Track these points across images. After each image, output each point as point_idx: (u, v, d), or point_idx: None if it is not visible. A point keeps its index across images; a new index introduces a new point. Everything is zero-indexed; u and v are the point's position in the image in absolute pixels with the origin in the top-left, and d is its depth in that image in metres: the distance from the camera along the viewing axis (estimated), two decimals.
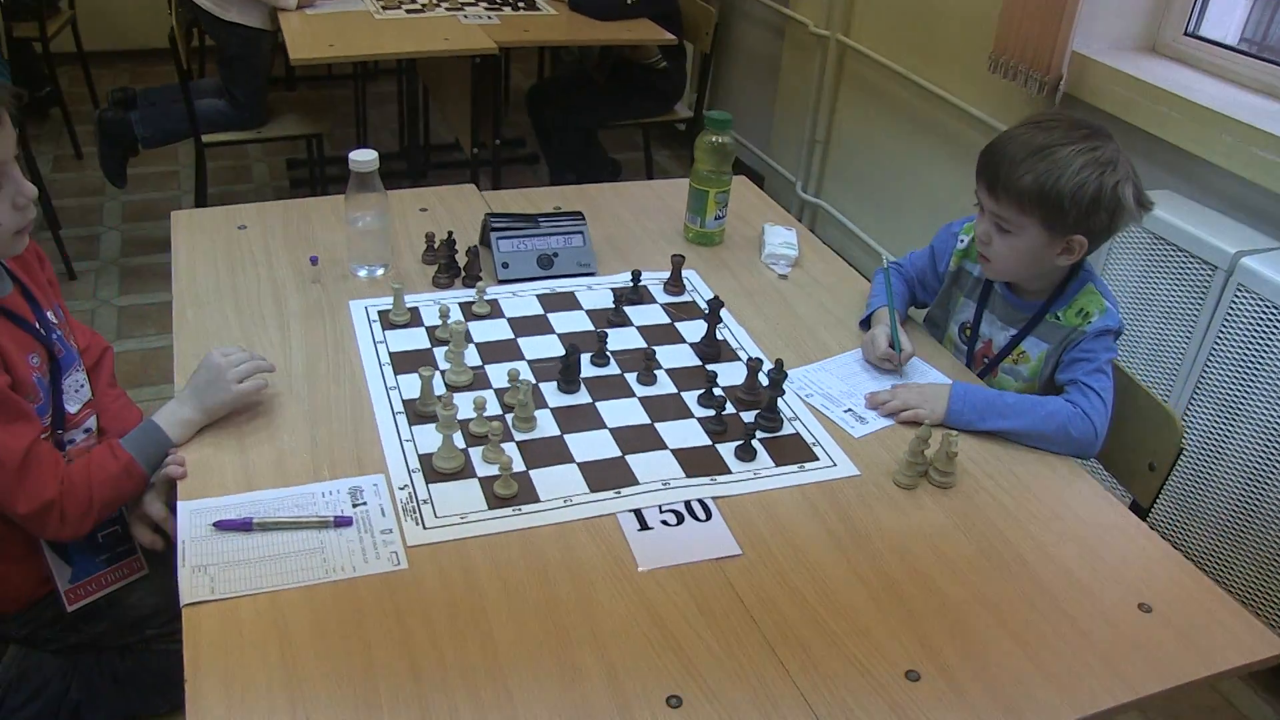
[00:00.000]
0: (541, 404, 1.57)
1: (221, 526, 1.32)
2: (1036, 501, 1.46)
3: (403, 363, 1.65)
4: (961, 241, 1.82)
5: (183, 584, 1.24)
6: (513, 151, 4.58)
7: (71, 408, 1.52)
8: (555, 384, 1.61)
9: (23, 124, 1.34)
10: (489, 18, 3.40)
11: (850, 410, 1.61)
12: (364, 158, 1.76)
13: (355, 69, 4.53)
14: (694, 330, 1.77)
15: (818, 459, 1.51)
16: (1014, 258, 1.63)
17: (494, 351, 1.69)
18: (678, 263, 1.88)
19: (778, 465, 1.49)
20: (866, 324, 1.80)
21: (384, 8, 3.47)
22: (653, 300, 1.87)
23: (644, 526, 1.36)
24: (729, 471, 1.46)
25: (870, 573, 1.31)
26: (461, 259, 1.87)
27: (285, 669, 1.13)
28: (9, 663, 1.49)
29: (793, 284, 1.96)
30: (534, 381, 1.62)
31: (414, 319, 1.76)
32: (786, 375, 1.57)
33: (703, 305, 1.86)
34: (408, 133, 4.59)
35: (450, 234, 1.87)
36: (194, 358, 1.61)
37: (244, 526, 1.32)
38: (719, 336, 1.76)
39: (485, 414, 1.49)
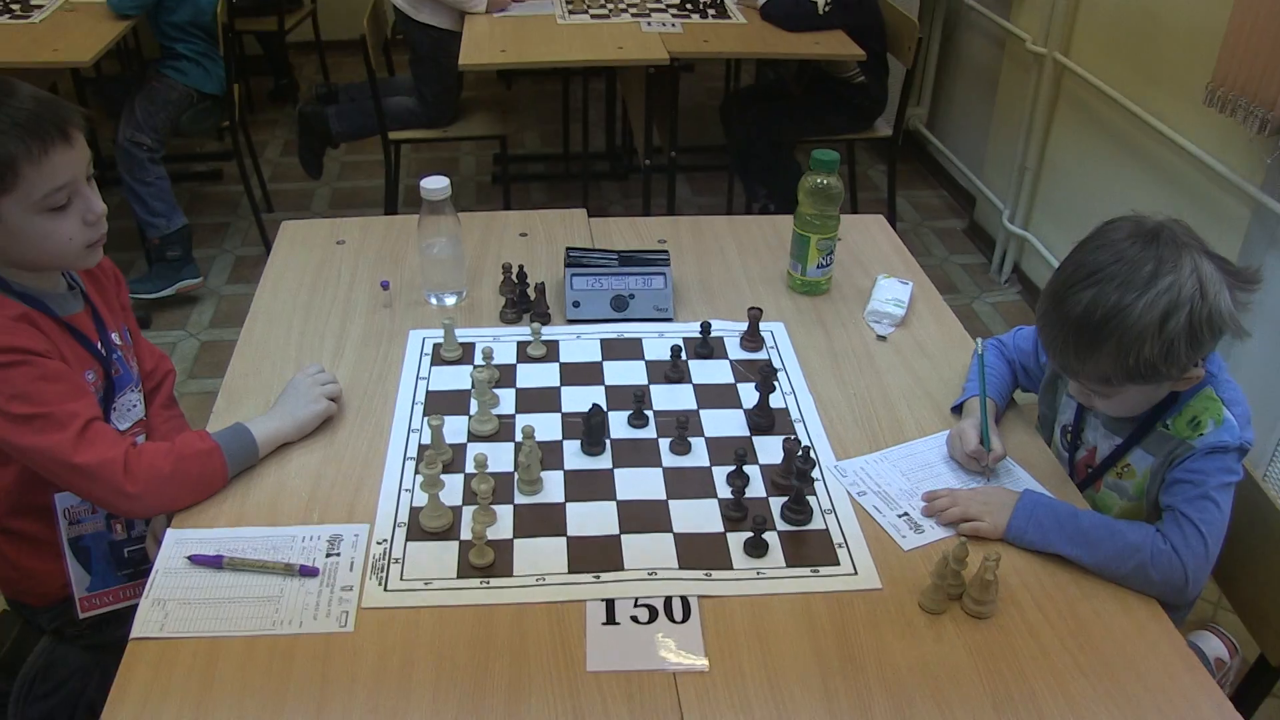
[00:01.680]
0: (557, 465, 1.48)
1: (194, 561, 1.31)
2: (1089, 649, 1.23)
3: (437, 403, 1.60)
4: None
5: (138, 616, 1.24)
6: (710, 159, 4.49)
7: (121, 425, 1.57)
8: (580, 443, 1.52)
9: (94, 140, 1.39)
10: (673, 25, 3.31)
11: (906, 515, 1.42)
12: (435, 185, 1.72)
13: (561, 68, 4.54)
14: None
15: (838, 564, 1.34)
16: (1122, 408, 1.42)
17: (533, 400, 1.62)
18: (754, 316, 1.74)
19: (789, 565, 1.33)
20: (959, 410, 1.60)
21: (570, 12, 3.44)
22: (724, 355, 1.74)
23: (610, 620, 1.24)
24: (730, 567, 1.32)
25: (847, 709, 1.15)
26: (532, 293, 1.80)
27: None
28: (39, 652, 1.57)
29: (890, 347, 1.77)
30: (560, 438, 1.53)
31: (466, 356, 1.71)
32: (815, 464, 1.41)
33: (779, 363, 1.71)
34: (613, 133, 4.59)
35: (521, 267, 1.81)
36: (245, 376, 1.64)
37: (215, 563, 1.31)
38: (780, 405, 1.61)
39: (487, 470, 1.41)
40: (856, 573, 1.32)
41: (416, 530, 1.36)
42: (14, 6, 3.38)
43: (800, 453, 1.38)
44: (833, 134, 3.64)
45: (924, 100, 4.51)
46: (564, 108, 4.42)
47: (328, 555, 1.32)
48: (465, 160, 4.72)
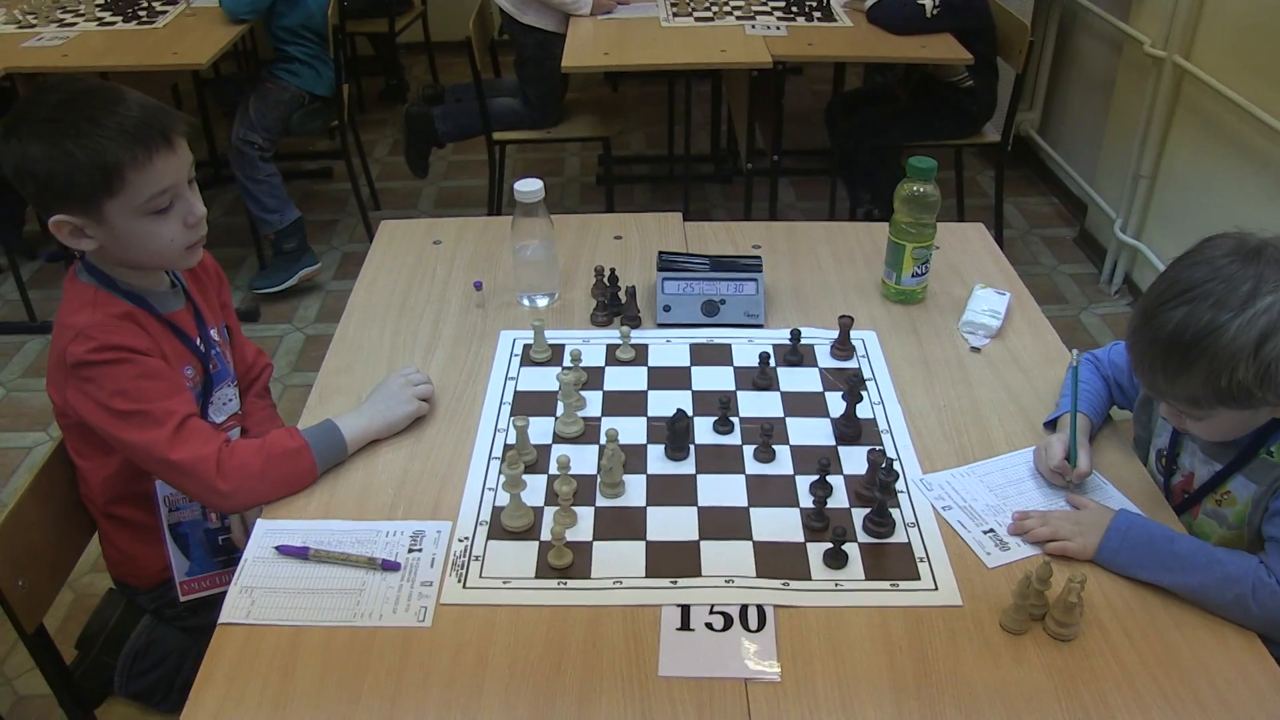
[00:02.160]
0: (640, 469, 1.48)
1: (281, 551, 1.35)
2: (1176, 678, 1.19)
3: (524, 404, 1.62)
4: None
5: (227, 602, 1.28)
6: (814, 163, 4.45)
7: (218, 419, 1.62)
8: (664, 448, 1.52)
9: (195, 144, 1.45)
10: (777, 28, 3.29)
11: (992, 531, 1.39)
12: (528, 188, 1.74)
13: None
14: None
15: (918, 579, 1.31)
16: (1216, 432, 1.36)
17: (619, 403, 1.62)
18: (845, 325, 1.71)
19: (868, 579, 1.31)
20: (1053, 426, 1.55)
21: (675, 14, 3.45)
22: (814, 363, 1.72)
23: (684, 626, 1.24)
24: (808, 578, 1.31)
25: None
26: (623, 296, 1.81)
27: (275, 709, 1.15)
28: (140, 631, 1.63)
29: (984, 359, 1.73)
30: (645, 442, 1.54)
31: (555, 357, 1.72)
32: (899, 477, 1.38)
33: (869, 373, 1.69)
34: (718, 135, 4.58)
35: (613, 270, 1.82)
36: (338, 373, 1.68)
37: (300, 554, 1.35)
38: (868, 415, 1.59)
39: (570, 472, 1.42)
40: (937, 588, 1.30)
41: (498, 529, 1.38)
42: (140, 13, 3.52)
43: (884, 464, 1.36)
44: (939, 139, 3.56)
45: (1036, 105, 4.40)
46: (669, 110, 4.43)
47: (410, 551, 1.35)
48: (570, 161, 4.77)
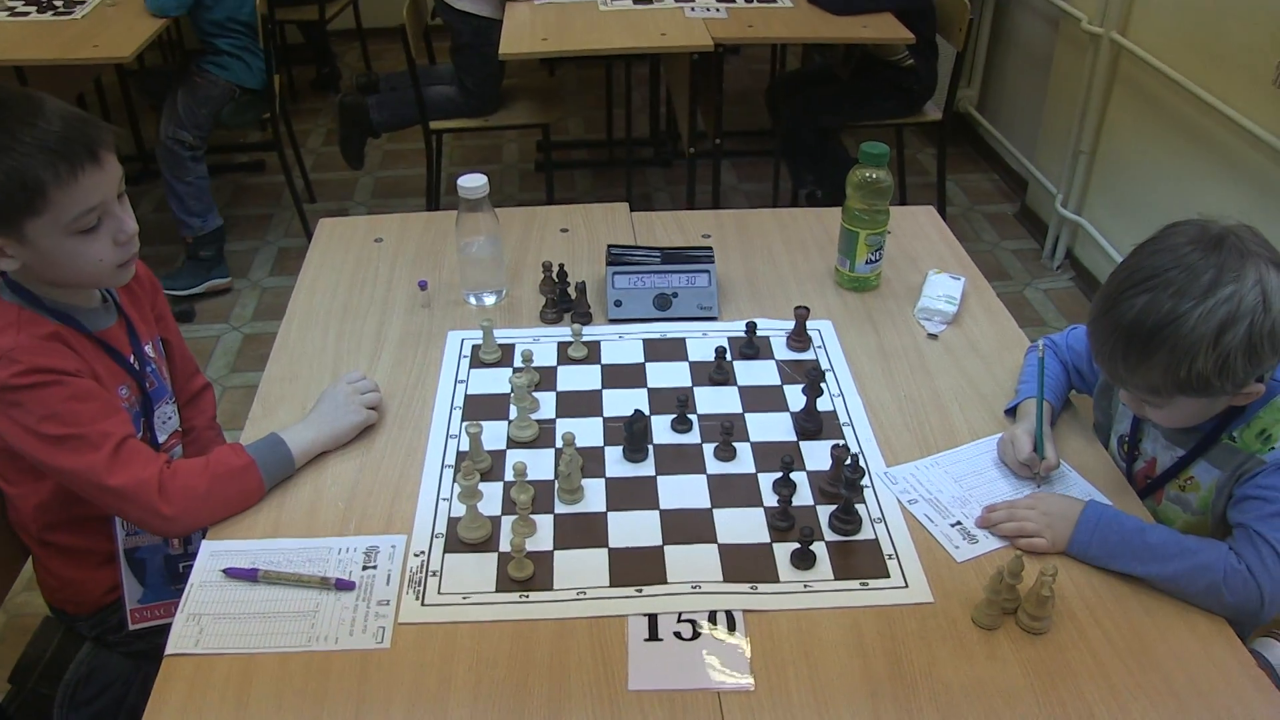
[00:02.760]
0: (598, 472, 1.44)
1: (229, 574, 1.29)
2: (1150, 668, 1.18)
3: (475, 408, 1.57)
4: None
5: (174, 631, 1.22)
6: (755, 145, 4.42)
7: (160, 437, 1.56)
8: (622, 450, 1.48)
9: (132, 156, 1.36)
10: (717, 10, 3.25)
11: (959, 524, 1.37)
12: (472, 184, 1.69)
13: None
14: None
15: (888, 576, 1.29)
16: (1176, 419, 1.35)
17: (574, 403, 1.58)
18: (801, 315, 1.68)
19: (837, 579, 1.29)
20: (1013, 413, 1.53)
21: None
22: (770, 355, 1.69)
23: (652, 636, 1.21)
24: (776, 579, 1.28)
25: None
26: (573, 293, 1.76)
27: None
28: (81, 659, 1.56)
29: (941, 347, 1.71)
30: (602, 444, 1.49)
31: (505, 358, 1.67)
32: (865, 473, 1.36)
33: (826, 364, 1.66)
34: (657, 119, 4.53)
35: (561, 266, 1.77)
36: (281, 381, 1.62)
37: (249, 576, 1.29)
38: (828, 407, 1.56)
39: (527, 479, 1.38)
40: (907, 585, 1.28)
41: (454, 542, 1.34)
42: (56, 4, 3.38)
43: (849, 461, 1.34)
44: (881, 119, 3.55)
45: (974, 82, 4.41)
46: (607, 94, 4.37)
47: (364, 568, 1.30)
48: (508, 148, 4.69)
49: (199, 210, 3.42)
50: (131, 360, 1.50)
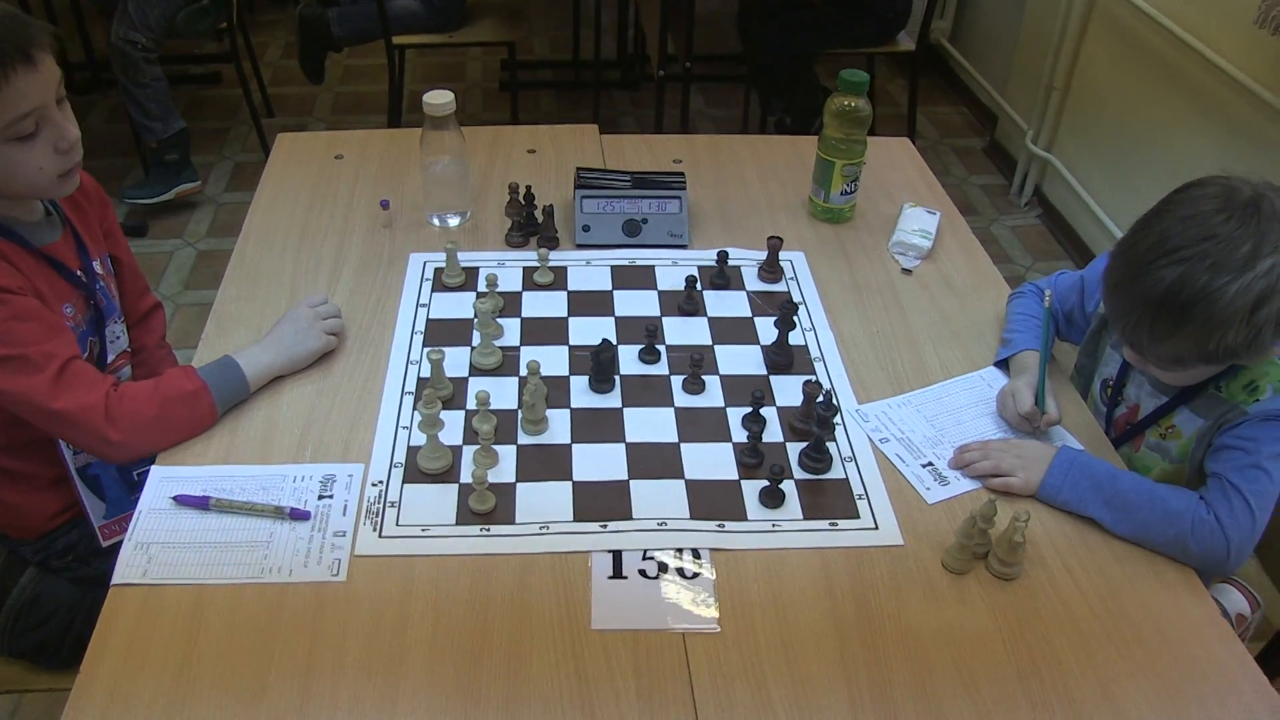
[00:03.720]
0: (563, 402, 1.40)
1: (180, 501, 1.25)
2: (1119, 615, 1.17)
3: (438, 333, 1.52)
4: None
5: (120, 560, 1.18)
6: (726, 69, 4.32)
7: (108, 357, 1.49)
8: (588, 380, 1.44)
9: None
10: None
11: (930, 465, 1.35)
12: (439, 100, 1.62)
13: None
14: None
15: (858, 517, 1.27)
16: (1183, 380, 1.33)
17: (538, 331, 1.53)
18: (774, 246, 1.64)
19: (806, 518, 1.26)
20: (1005, 365, 1.50)
21: None
22: (741, 286, 1.65)
23: (616, 574, 1.18)
24: (744, 518, 1.25)
25: (864, 677, 1.08)
26: (539, 216, 1.70)
27: (180, 677, 1.06)
28: (25, 584, 1.51)
29: (915, 282, 1.67)
30: (568, 373, 1.45)
31: (469, 282, 1.62)
32: (838, 410, 1.33)
33: (798, 296, 1.63)
34: (625, 41, 4.42)
35: (529, 188, 1.71)
36: (237, 301, 1.56)
37: (201, 504, 1.24)
38: (799, 342, 1.53)
39: (489, 408, 1.34)
40: (877, 527, 1.26)
41: (414, 472, 1.29)
42: None
43: (821, 398, 1.30)
44: (854, 46, 3.48)
45: (948, 12, 4.33)
46: (575, 14, 4.24)
47: (320, 497, 1.26)
48: (473, 66, 4.56)
49: (159, 113, 3.28)
50: (80, 275, 1.43)
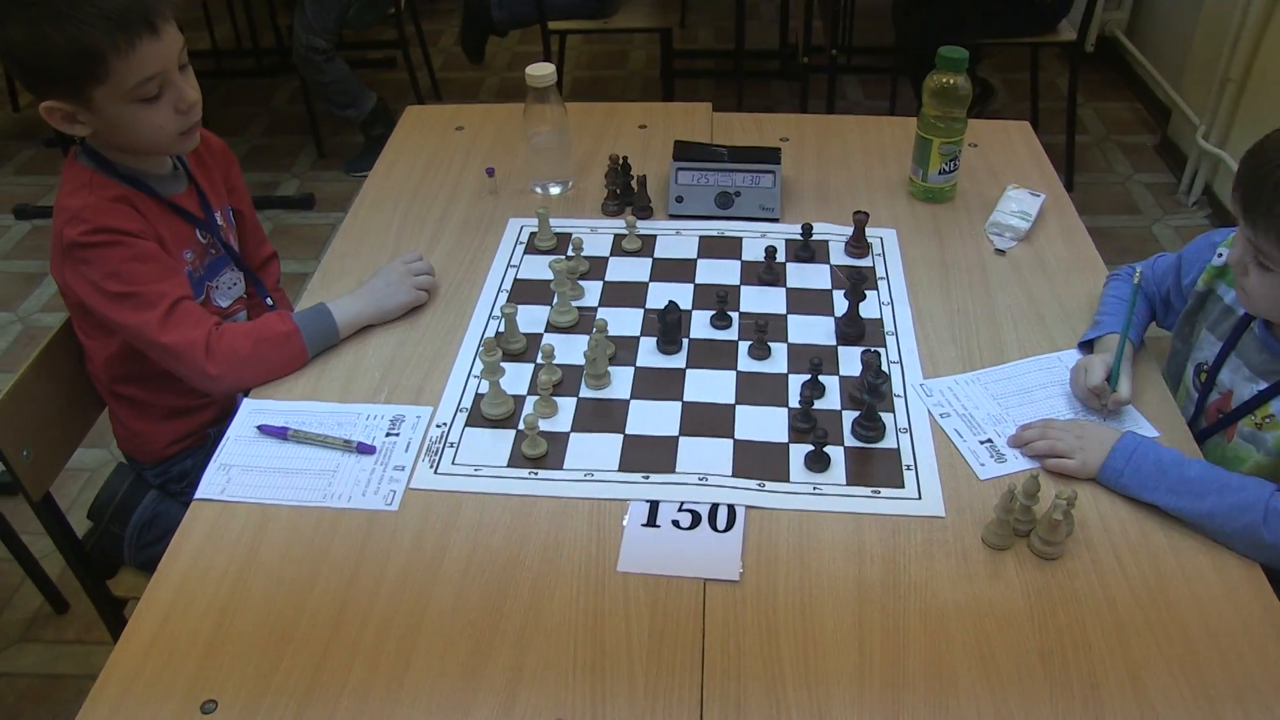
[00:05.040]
0: (630, 361, 1.45)
1: (262, 430, 1.35)
2: (1163, 606, 1.12)
3: (522, 292, 1.59)
4: (1220, 255, 1.40)
5: (204, 479, 1.29)
6: (886, 61, 4.25)
7: (223, 302, 1.63)
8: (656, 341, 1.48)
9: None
10: None
11: (989, 442, 1.32)
12: (540, 71, 1.68)
13: None
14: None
15: (902, 486, 1.26)
16: (1273, 298, 1.24)
17: (619, 294, 1.58)
18: (860, 220, 1.64)
19: (849, 484, 1.27)
20: (1089, 347, 1.46)
21: None
22: (826, 260, 1.65)
23: (650, 523, 1.22)
24: (786, 479, 1.27)
25: (879, 645, 1.08)
26: (634, 185, 1.75)
27: (236, 585, 1.16)
28: (146, 505, 1.66)
29: (1008, 263, 1.64)
30: (639, 334, 1.50)
31: (560, 246, 1.68)
32: (887, 379, 1.33)
33: (882, 272, 1.62)
34: (785, 31, 4.41)
35: (625, 159, 1.76)
36: (343, 256, 1.68)
37: (280, 434, 1.34)
38: (875, 315, 1.52)
39: (555, 362, 1.39)
40: (921, 497, 1.25)
41: (477, 417, 1.36)
42: None
43: (874, 366, 1.30)
44: (1012, 36, 3.38)
45: (1125, 4, 4.14)
46: (736, 3, 4.26)
47: (387, 435, 1.34)
48: (635, 54, 4.65)
49: (348, 101, 3.55)
50: (200, 225, 1.57)
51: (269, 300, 1.69)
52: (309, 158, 3.84)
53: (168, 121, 1.42)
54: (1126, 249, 3.15)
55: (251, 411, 1.39)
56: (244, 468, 1.31)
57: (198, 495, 1.27)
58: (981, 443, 1.32)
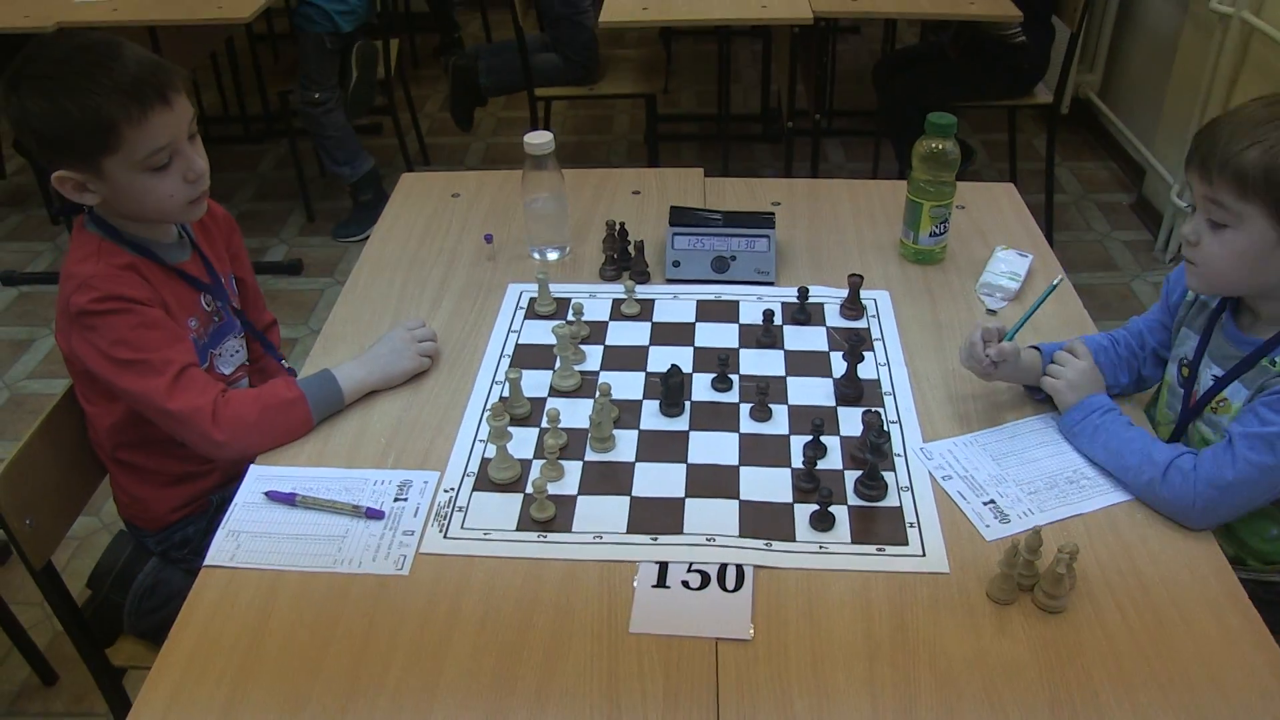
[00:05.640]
0: (634, 424, 1.47)
1: (270, 497, 1.36)
2: (1168, 656, 1.14)
3: (524, 356, 1.61)
4: None
5: (213, 545, 1.30)
6: (867, 124, 4.35)
7: (225, 369, 1.64)
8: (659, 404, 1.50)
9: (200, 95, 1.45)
10: None
11: (992, 503, 1.35)
12: (538, 140, 1.72)
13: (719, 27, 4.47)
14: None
15: (906, 544, 1.28)
16: (1227, 260, 1.31)
17: (619, 358, 1.61)
18: (855, 283, 1.67)
19: (854, 542, 1.29)
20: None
21: None
22: (821, 322, 1.68)
23: (660, 583, 1.23)
24: (793, 539, 1.29)
25: (890, 695, 1.10)
26: (632, 251, 1.78)
27: (250, 650, 1.16)
28: (148, 572, 1.66)
29: (999, 323, 1.67)
30: (641, 397, 1.52)
31: (560, 311, 1.71)
32: (889, 439, 1.35)
33: (877, 334, 1.65)
34: (768, 95, 4.51)
35: (622, 224, 1.79)
36: (344, 322, 1.69)
37: (288, 500, 1.35)
38: (873, 376, 1.55)
39: (560, 425, 1.41)
40: (925, 555, 1.27)
41: (484, 481, 1.38)
42: None
43: (876, 426, 1.33)
44: (990, 99, 3.47)
45: (1098, 67, 4.25)
46: (719, 69, 4.35)
47: (396, 499, 1.35)
48: (619, 119, 4.73)
49: (345, 159, 3.60)
50: (205, 294, 1.59)
51: (283, 361, 1.71)
52: (297, 223, 3.88)
53: (177, 190, 1.45)
54: (1107, 305, 3.21)
55: (258, 478, 1.40)
56: (253, 534, 1.31)
57: (207, 562, 1.28)
58: (985, 504, 1.34)
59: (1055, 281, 1.55)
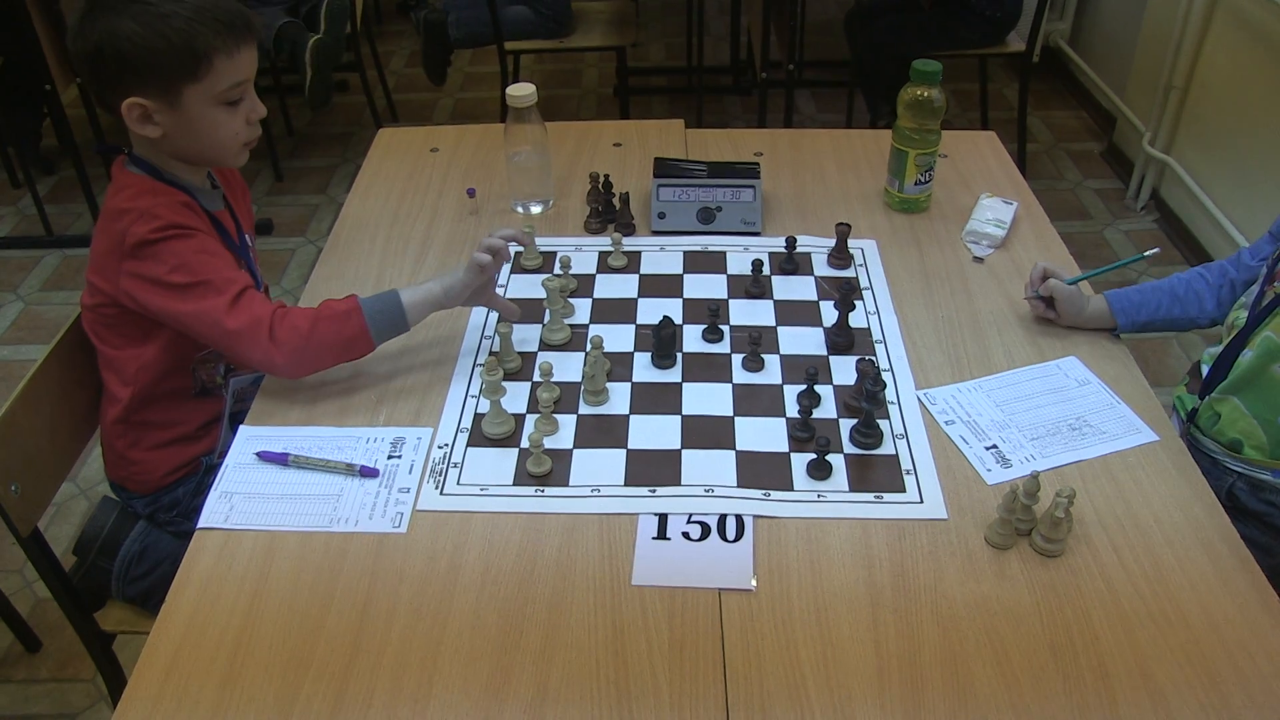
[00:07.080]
0: (626, 376, 1.46)
1: (262, 457, 1.34)
2: (1164, 596, 1.16)
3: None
4: None
5: (206, 507, 1.28)
6: (838, 75, 4.33)
7: None
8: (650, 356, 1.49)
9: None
10: None
11: (994, 448, 1.35)
12: (521, 92, 1.70)
13: None
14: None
15: (904, 490, 1.29)
16: None
17: (609, 310, 1.59)
18: (842, 232, 1.67)
19: (852, 490, 1.29)
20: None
21: None
22: (810, 271, 1.68)
23: (660, 535, 1.23)
24: (790, 488, 1.29)
25: (894, 642, 1.10)
26: (617, 203, 1.77)
27: (249, 613, 1.15)
28: (135, 536, 1.64)
29: (986, 270, 1.68)
30: (632, 349, 1.51)
31: (546, 265, 1.69)
32: (885, 387, 1.35)
33: (865, 282, 1.65)
34: (737, 47, 4.47)
35: (607, 176, 1.77)
36: (327, 280, 1.66)
37: (280, 460, 1.34)
38: (863, 324, 1.55)
39: (553, 379, 1.40)
40: (923, 501, 1.27)
41: (478, 436, 1.37)
42: None
43: (871, 374, 1.33)
44: (962, 48, 3.45)
45: (1067, 14, 4.25)
46: (688, 20, 4.31)
47: (389, 457, 1.34)
48: (588, 73, 4.68)
49: None
50: (236, 244, 1.57)
51: None
52: (266, 183, 3.82)
53: (240, 129, 1.46)
54: (1080, 254, 3.21)
55: (249, 438, 1.38)
56: (246, 495, 1.30)
57: (201, 525, 1.26)
58: (987, 448, 1.35)
59: (1150, 251, 1.64)
